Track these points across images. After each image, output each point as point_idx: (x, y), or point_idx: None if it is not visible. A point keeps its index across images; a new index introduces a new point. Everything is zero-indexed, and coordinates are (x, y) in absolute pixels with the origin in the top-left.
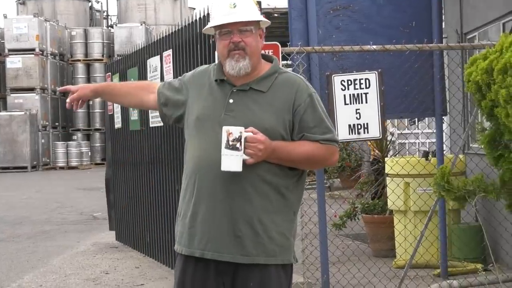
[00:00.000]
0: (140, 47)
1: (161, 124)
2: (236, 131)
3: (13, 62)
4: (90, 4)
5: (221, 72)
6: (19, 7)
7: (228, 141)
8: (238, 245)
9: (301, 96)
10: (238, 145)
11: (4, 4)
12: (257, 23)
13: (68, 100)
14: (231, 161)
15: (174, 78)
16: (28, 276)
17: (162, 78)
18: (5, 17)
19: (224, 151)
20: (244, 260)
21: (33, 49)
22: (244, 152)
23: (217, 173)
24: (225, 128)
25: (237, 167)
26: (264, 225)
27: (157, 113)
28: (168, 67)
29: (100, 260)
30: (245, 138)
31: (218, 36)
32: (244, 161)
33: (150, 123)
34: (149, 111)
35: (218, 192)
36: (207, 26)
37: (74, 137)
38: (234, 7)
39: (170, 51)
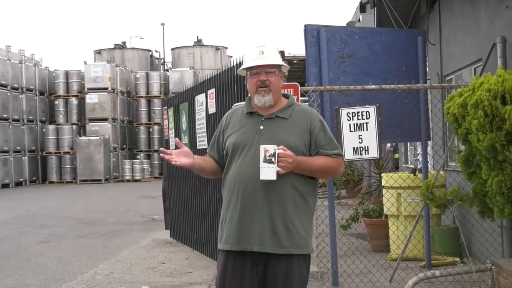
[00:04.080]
0: (189, 87)
1: (206, 146)
2: (271, 148)
3: (91, 98)
4: (150, 53)
5: (250, 106)
6: (95, 55)
7: (265, 156)
8: (276, 240)
9: (314, 121)
10: (273, 159)
11: (84, 53)
12: (279, 67)
13: (175, 160)
14: (268, 172)
15: (216, 110)
16: (102, 265)
17: (207, 111)
18: (85, 63)
19: (262, 164)
20: (281, 251)
21: (106, 88)
22: (277, 165)
23: (257, 184)
24: (262, 147)
25: (273, 176)
26: (294, 224)
27: (203, 138)
28: (212, 102)
29: (158, 253)
30: (278, 154)
31: (249, 76)
32: (277, 172)
33: (197, 145)
34: (197, 135)
35: (259, 199)
36: (240, 68)
37: (138, 156)
38: (262, 53)
39: (213, 90)
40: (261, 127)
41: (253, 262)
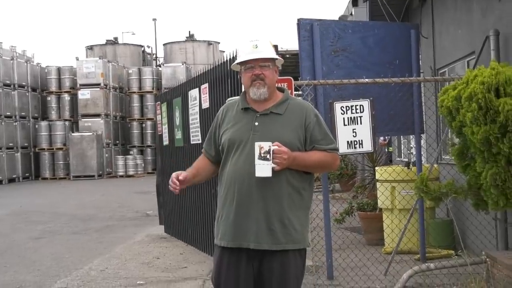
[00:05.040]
0: (183, 82)
1: (200, 141)
2: (266, 145)
3: (83, 94)
4: (142, 48)
5: (245, 102)
6: (87, 51)
7: (260, 153)
8: (272, 236)
9: (309, 116)
10: (268, 156)
11: (76, 49)
12: (273, 60)
13: (176, 188)
14: (263, 169)
15: (210, 105)
16: (96, 260)
17: (200, 106)
18: (77, 59)
19: (257, 162)
20: (277, 248)
21: (99, 84)
22: (272, 162)
23: (252, 181)
24: (257, 144)
25: (268, 173)
26: (290, 220)
27: (197, 133)
28: (205, 97)
29: (152, 248)
30: (273, 151)
31: (243, 70)
32: (272, 169)
33: (191, 140)
34: (190, 130)
35: (254, 196)
36: (234, 63)
37: (131, 152)
38: (256, 47)
39: (206, 84)
40: (256, 124)
41: (248, 258)
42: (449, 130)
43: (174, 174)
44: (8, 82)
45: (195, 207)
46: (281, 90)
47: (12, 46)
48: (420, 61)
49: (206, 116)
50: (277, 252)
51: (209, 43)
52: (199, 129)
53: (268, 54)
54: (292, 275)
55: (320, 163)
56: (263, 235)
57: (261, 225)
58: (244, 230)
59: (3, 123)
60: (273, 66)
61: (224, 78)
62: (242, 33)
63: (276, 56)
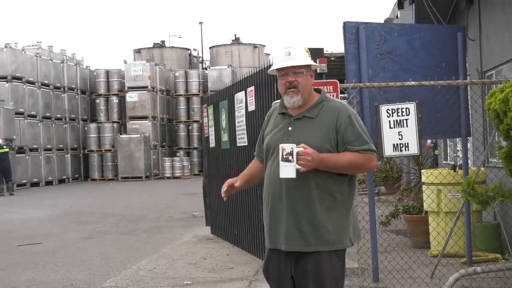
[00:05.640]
0: (229, 84)
1: (246, 144)
2: (288, 147)
3: (131, 97)
4: (189, 52)
5: (283, 106)
6: (135, 54)
7: (283, 155)
8: (302, 238)
9: (342, 118)
10: (290, 157)
11: (124, 52)
12: (308, 66)
13: (225, 197)
14: (286, 170)
15: (256, 108)
16: (145, 260)
17: (246, 108)
18: (125, 62)
19: (281, 163)
20: (309, 249)
21: (146, 87)
22: (297, 163)
23: (282, 185)
24: (280, 146)
25: (291, 174)
26: (322, 222)
27: (243, 135)
28: (251, 100)
29: (199, 249)
30: (297, 152)
31: (279, 77)
32: (298, 170)
33: (237, 143)
34: (237, 133)
35: (284, 199)
36: (270, 69)
37: (178, 154)
38: (289, 54)
39: (252, 87)
40: (290, 128)
41: (286, 259)
42: (497, 133)
43: (229, 180)
44: (58, 85)
45: (241, 208)
46: (318, 91)
47: (62, 50)
48: (467, 64)
49: (252, 118)
50: (308, 254)
51: (255, 46)
52: (245, 131)
53: (300, 62)
54: (327, 274)
55: (352, 164)
56: (293, 237)
57: (291, 228)
58: (277, 232)
59: (53, 125)
60: (308, 72)
61: (270, 81)
62: (287, 36)
63: (310, 62)
